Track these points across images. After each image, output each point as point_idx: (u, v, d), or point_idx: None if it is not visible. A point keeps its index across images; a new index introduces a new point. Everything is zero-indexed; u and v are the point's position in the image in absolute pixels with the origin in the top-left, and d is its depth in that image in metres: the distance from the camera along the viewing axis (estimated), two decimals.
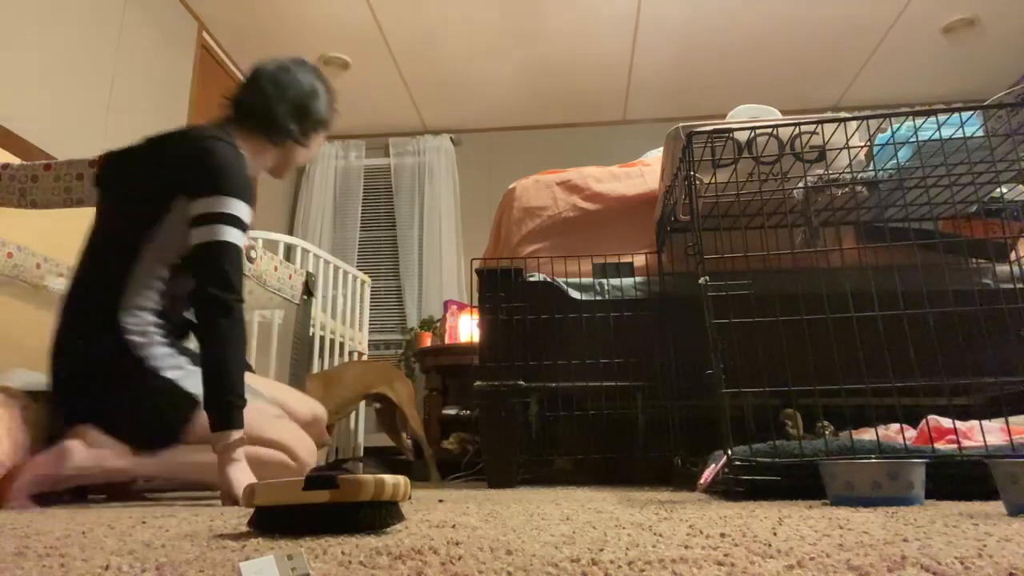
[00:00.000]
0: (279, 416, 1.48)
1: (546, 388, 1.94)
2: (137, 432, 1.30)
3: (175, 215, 1.36)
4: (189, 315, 1.44)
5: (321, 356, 3.15)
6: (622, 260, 2.02)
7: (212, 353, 1.27)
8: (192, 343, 1.44)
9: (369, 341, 3.77)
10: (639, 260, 2.02)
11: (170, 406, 1.32)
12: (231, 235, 1.32)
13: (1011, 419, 1.34)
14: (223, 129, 1.46)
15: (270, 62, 1.54)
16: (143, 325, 1.34)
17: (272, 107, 1.50)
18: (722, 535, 0.68)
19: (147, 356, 1.33)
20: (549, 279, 1.98)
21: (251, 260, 2.40)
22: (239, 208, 1.34)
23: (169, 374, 1.34)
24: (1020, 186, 1.73)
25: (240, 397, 1.27)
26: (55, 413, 1.36)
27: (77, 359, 1.34)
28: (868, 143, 1.68)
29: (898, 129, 1.61)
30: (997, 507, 0.99)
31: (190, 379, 1.33)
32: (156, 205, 1.36)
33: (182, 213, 1.35)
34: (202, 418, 1.27)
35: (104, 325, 1.32)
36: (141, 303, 1.36)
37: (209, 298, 1.29)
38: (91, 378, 1.32)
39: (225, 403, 1.25)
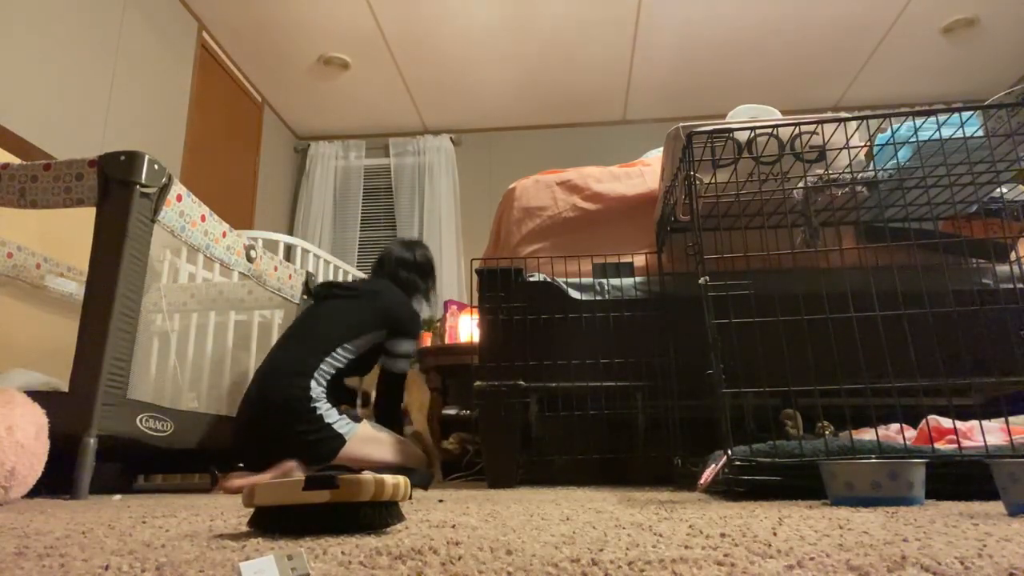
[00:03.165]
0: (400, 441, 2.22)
1: (546, 388, 1.94)
2: (311, 456, 1.90)
3: (376, 333, 2.15)
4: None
5: None
6: (622, 260, 2.02)
7: (386, 409, 2.24)
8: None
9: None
10: (639, 260, 2.02)
11: (330, 441, 1.92)
12: (405, 366, 2.23)
13: (1011, 419, 1.34)
14: (400, 292, 2.30)
15: (407, 250, 2.45)
16: (320, 391, 1.98)
17: (407, 274, 2.40)
18: (722, 535, 0.68)
19: (322, 411, 1.94)
20: (549, 279, 1.98)
21: (251, 260, 2.40)
22: (414, 347, 2.24)
23: (328, 420, 1.94)
24: (1020, 186, 1.73)
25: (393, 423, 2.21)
26: (249, 438, 1.97)
27: (277, 399, 1.92)
28: (868, 143, 1.68)
29: (898, 129, 1.61)
30: (997, 507, 0.99)
31: (341, 427, 1.95)
32: (367, 324, 2.12)
33: (377, 336, 2.16)
34: (345, 449, 1.92)
35: (303, 388, 1.94)
36: (320, 380, 2.00)
37: (387, 396, 2.24)
38: (288, 413, 1.92)
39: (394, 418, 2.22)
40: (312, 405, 1.92)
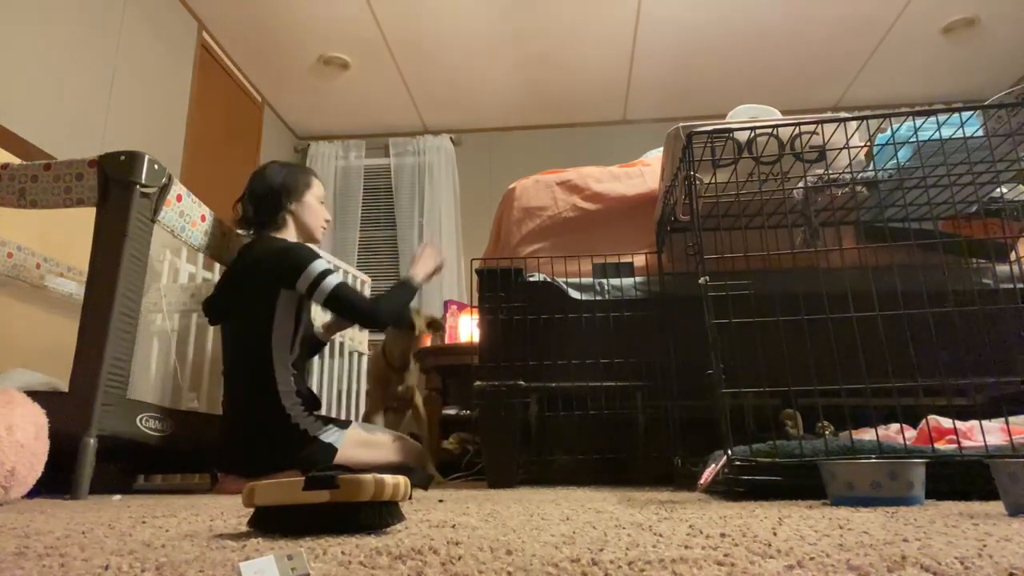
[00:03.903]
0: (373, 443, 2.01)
1: (546, 388, 1.94)
2: (304, 470, 1.77)
3: (283, 302, 1.89)
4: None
5: (321, 356, 3.15)
6: (622, 260, 2.02)
7: (387, 303, 2.00)
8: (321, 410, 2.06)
9: (369, 341, 3.77)
10: (639, 260, 2.02)
11: (320, 452, 1.82)
12: (333, 280, 1.88)
13: (1011, 419, 1.34)
14: (267, 237, 2.00)
15: (260, 171, 2.08)
16: (294, 406, 1.84)
17: (251, 209, 2.04)
18: (722, 535, 0.68)
19: (305, 427, 1.83)
20: (549, 279, 1.98)
21: None
22: (320, 264, 1.89)
23: (314, 433, 1.83)
24: (1020, 186, 1.73)
25: (404, 286, 2.07)
26: (232, 464, 1.87)
27: (256, 432, 1.82)
28: (868, 143, 1.68)
29: (898, 129, 1.61)
30: (997, 507, 0.99)
31: (330, 436, 1.85)
32: (267, 305, 1.87)
33: (288, 299, 1.89)
34: (339, 457, 1.82)
35: (276, 412, 1.81)
36: (286, 388, 1.85)
37: (356, 316, 1.94)
38: (271, 441, 1.81)
39: (406, 290, 2.06)
40: (293, 423, 1.81)
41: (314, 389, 2.49)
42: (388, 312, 1.97)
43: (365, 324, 1.97)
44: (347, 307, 1.89)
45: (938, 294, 1.46)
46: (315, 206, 2.10)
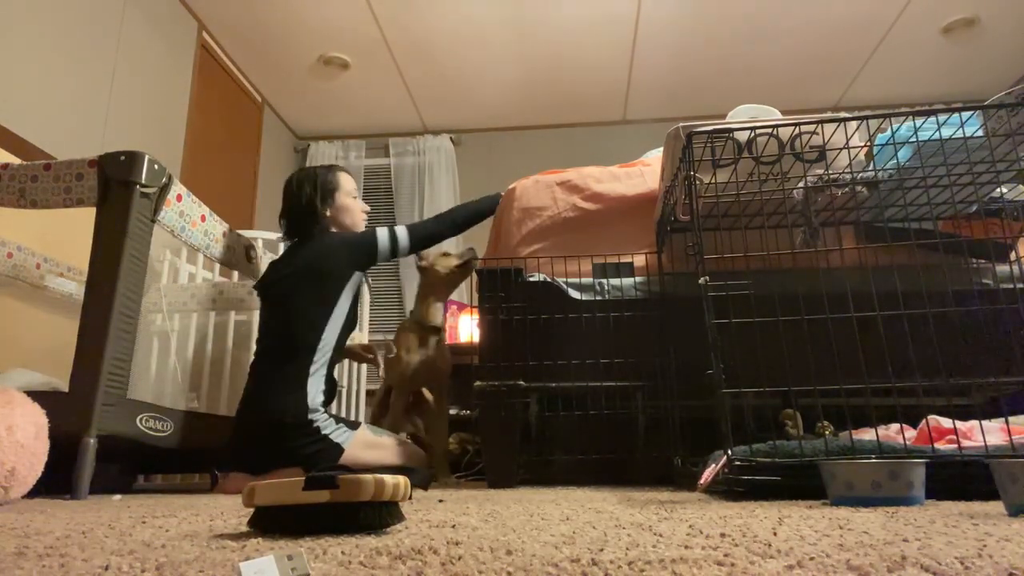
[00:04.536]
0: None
1: (546, 388, 1.94)
2: (309, 467, 1.79)
3: (351, 283, 2.01)
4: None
5: None
6: (622, 260, 2.02)
7: (464, 214, 2.26)
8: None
9: (370, 341, 3.78)
10: (639, 260, 2.02)
11: (328, 451, 1.85)
12: (402, 231, 2.09)
13: (1011, 419, 1.34)
14: (321, 233, 2.07)
15: (288, 186, 2.19)
16: (316, 408, 1.88)
17: (289, 225, 2.14)
18: (722, 535, 0.68)
19: (318, 424, 1.86)
20: (549, 279, 1.98)
21: (251, 260, 2.41)
22: (381, 231, 2.08)
23: (325, 431, 1.86)
24: (1020, 186, 1.73)
25: (490, 198, 2.34)
26: (246, 455, 1.88)
27: (273, 418, 1.84)
28: (868, 143, 1.68)
29: (898, 129, 1.61)
30: (997, 507, 0.99)
31: (339, 436, 1.88)
32: (336, 287, 1.98)
33: (356, 280, 2.02)
34: (344, 457, 1.86)
35: (299, 402, 1.86)
36: (317, 384, 1.90)
37: (444, 238, 2.20)
38: (284, 438, 1.84)
39: (488, 201, 2.31)
40: (309, 418, 1.84)
41: None
42: (462, 221, 2.21)
43: (452, 235, 2.23)
44: (433, 238, 2.13)
45: (938, 294, 1.46)
46: (349, 204, 2.15)
